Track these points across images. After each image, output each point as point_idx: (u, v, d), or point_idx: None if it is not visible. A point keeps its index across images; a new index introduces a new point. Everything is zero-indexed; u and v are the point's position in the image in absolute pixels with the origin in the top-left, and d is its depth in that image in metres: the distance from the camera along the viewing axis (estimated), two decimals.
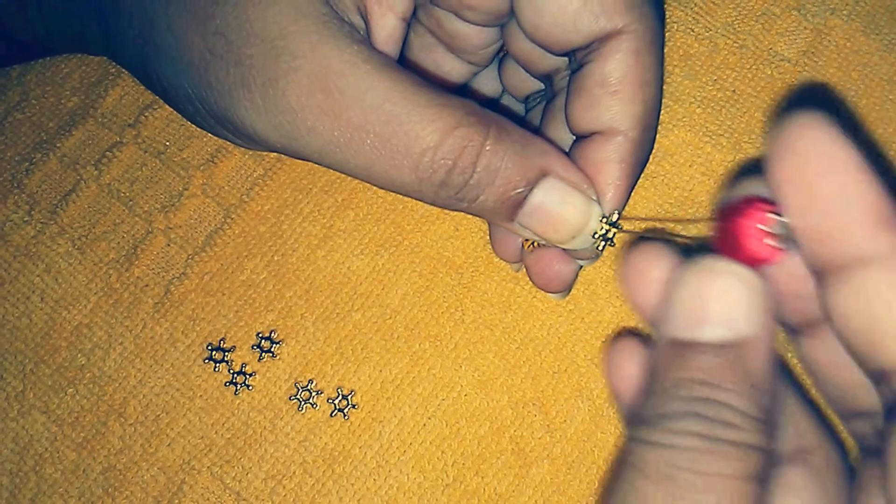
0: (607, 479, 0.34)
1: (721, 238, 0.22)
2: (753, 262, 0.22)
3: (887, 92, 0.38)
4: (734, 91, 0.39)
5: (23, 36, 0.40)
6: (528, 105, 0.36)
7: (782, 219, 0.21)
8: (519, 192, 0.27)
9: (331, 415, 0.35)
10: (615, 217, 0.27)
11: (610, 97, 0.28)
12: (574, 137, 0.30)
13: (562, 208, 0.27)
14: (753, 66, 0.39)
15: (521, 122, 0.35)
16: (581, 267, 0.33)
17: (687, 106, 0.39)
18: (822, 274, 0.21)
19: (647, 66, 0.28)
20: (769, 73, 0.39)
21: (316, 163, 0.28)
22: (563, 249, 0.30)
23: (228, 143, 0.39)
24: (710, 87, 0.39)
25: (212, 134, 0.32)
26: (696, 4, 0.40)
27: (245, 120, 0.27)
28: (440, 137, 0.26)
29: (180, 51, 0.28)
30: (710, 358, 0.20)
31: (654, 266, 0.23)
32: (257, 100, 0.27)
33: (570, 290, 0.34)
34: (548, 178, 0.27)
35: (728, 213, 0.22)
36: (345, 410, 0.35)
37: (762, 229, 0.21)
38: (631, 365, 0.24)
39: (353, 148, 0.26)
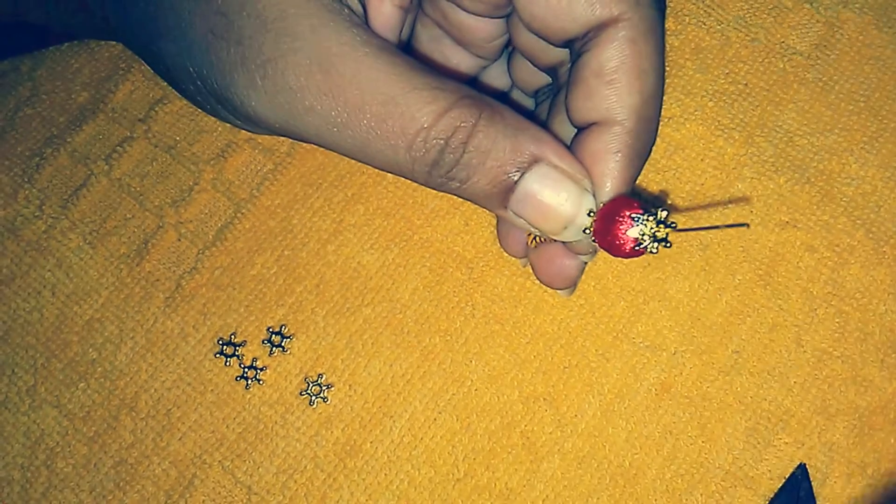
0: None
1: (599, 228, 0.27)
2: (621, 253, 0.27)
3: None
4: (746, 84, 0.39)
5: (33, 18, 0.40)
6: (537, 99, 0.36)
7: (647, 222, 0.26)
8: (510, 176, 0.27)
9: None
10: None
11: (606, 87, 0.28)
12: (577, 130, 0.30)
13: (553, 196, 0.27)
14: (765, 60, 0.39)
15: (528, 115, 0.35)
16: (585, 264, 0.33)
17: (699, 99, 0.39)
18: None
19: (645, 55, 0.28)
20: (781, 66, 0.39)
21: (313, 143, 0.28)
22: (560, 242, 0.30)
23: (238, 138, 0.39)
24: (722, 81, 0.39)
25: (212, 115, 0.32)
26: None
27: (244, 100, 0.28)
28: (434, 118, 0.26)
29: (183, 30, 0.28)
30: None
31: None
32: (256, 80, 0.27)
33: (574, 287, 0.34)
34: (540, 164, 0.27)
35: (606, 216, 0.27)
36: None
37: (629, 235, 0.26)
38: None
39: (351, 128, 0.26)
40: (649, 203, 0.27)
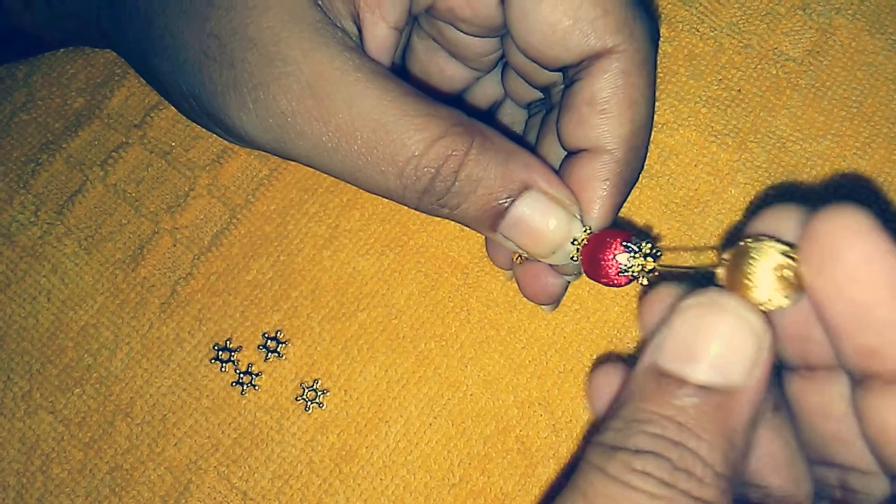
0: (557, 488, 0.34)
1: (587, 258, 0.27)
2: (607, 283, 0.27)
3: (892, 91, 0.38)
4: (739, 91, 0.39)
5: (27, 26, 0.40)
6: (530, 111, 0.36)
7: (636, 255, 0.26)
8: (500, 203, 0.27)
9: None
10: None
11: (597, 116, 0.28)
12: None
13: (542, 222, 0.27)
14: (758, 66, 0.39)
15: (517, 137, 0.36)
16: (569, 283, 0.33)
17: (692, 106, 0.39)
18: (859, 378, 0.20)
19: (636, 87, 0.28)
20: (774, 72, 0.39)
21: (304, 164, 0.28)
22: (546, 264, 0.30)
23: (234, 144, 0.40)
24: (716, 87, 0.39)
25: (206, 129, 0.33)
26: (700, 4, 0.40)
27: (236, 121, 0.28)
28: (425, 146, 0.26)
29: (176, 49, 0.29)
30: (691, 399, 0.19)
31: (669, 295, 0.23)
32: (248, 102, 0.27)
33: (558, 303, 0.35)
34: (530, 190, 0.27)
35: (597, 243, 0.27)
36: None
37: (619, 261, 0.26)
38: (612, 387, 0.24)
39: (341, 153, 0.27)
40: (636, 234, 0.27)
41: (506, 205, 0.27)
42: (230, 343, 0.36)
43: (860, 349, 0.19)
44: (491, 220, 0.28)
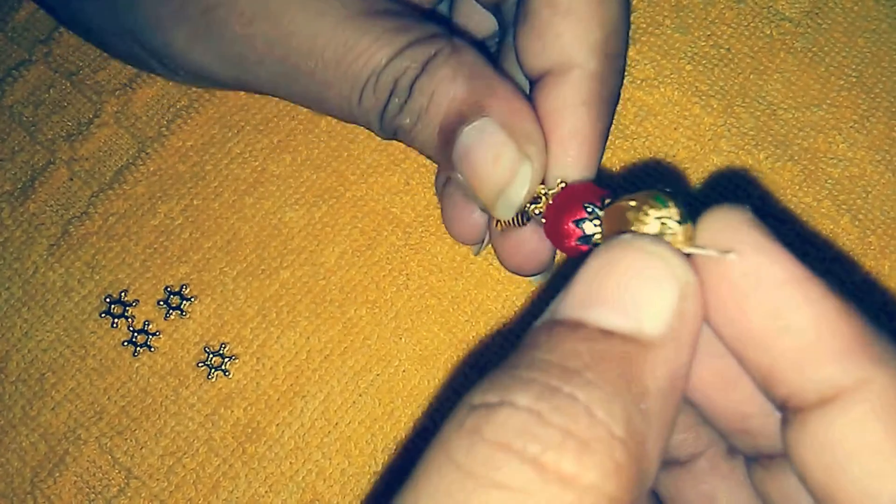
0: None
1: (551, 219, 0.22)
2: (564, 248, 0.21)
3: (895, 62, 0.34)
4: (729, 49, 0.35)
5: None
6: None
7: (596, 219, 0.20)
8: (451, 125, 0.23)
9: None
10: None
11: (561, 20, 0.24)
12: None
13: (486, 155, 0.23)
14: (751, 24, 0.35)
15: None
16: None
17: (676, 61, 0.34)
18: (779, 407, 0.16)
19: None
20: (768, 32, 0.35)
21: (266, 94, 0.26)
22: (508, 222, 0.25)
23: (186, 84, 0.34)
24: (703, 43, 0.35)
25: (151, 73, 0.30)
26: None
27: (187, 54, 0.25)
28: (387, 60, 0.23)
29: None
30: (587, 343, 0.15)
31: None
32: (199, 31, 0.25)
33: (549, 272, 0.30)
34: (483, 117, 0.23)
35: (565, 199, 0.22)
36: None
37: (577, 227, 0.21)
38: None
39: (304, 78, 0.24)
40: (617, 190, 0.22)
41: (456, 128, 0.23)
42: (125, 296, 0.31)
43: (761, 374, 0.16)
44: (441, 146, 0.24)
